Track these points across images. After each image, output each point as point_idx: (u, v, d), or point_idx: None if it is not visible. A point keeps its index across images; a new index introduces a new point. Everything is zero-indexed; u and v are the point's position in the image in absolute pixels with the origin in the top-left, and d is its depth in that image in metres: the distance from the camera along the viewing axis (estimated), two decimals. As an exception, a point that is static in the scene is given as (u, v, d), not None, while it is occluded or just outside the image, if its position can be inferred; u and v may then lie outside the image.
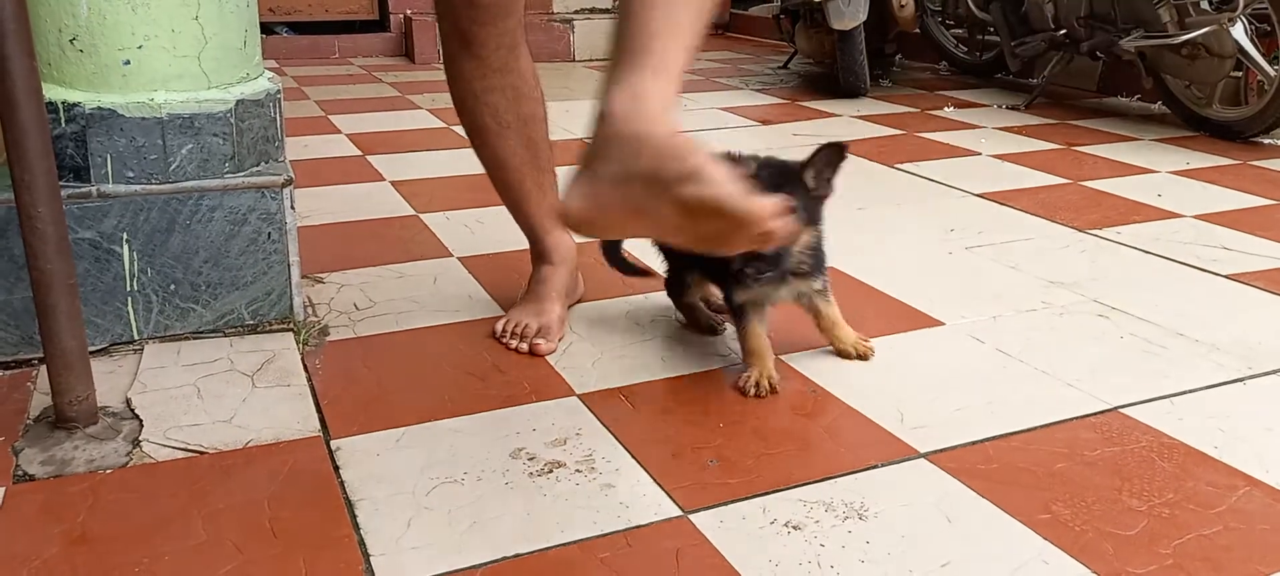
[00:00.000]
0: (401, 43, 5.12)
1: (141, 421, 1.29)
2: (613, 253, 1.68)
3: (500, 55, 1.50)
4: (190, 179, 1.49)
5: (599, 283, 1.77)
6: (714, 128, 3.29)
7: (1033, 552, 1.04)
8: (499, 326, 1.58)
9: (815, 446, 1.26)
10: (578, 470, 1.20)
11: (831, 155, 1.36)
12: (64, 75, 1.44)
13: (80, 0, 1.40)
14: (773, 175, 1.36)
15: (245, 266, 1.54)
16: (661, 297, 1.76)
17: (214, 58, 1.49)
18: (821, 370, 1.47)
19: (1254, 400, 1.39)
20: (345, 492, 1.14)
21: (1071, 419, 1.33)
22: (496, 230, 2.09)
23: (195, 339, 1.53)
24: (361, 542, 1.05)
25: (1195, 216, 2.27)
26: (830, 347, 1.53)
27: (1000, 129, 3.29)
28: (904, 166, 2.76)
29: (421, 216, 2.22)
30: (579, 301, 1.71)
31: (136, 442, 1.24)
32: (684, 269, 1.55)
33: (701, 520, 1.10)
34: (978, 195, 2.46)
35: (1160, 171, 2.70)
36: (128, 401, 1.34)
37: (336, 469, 1.19)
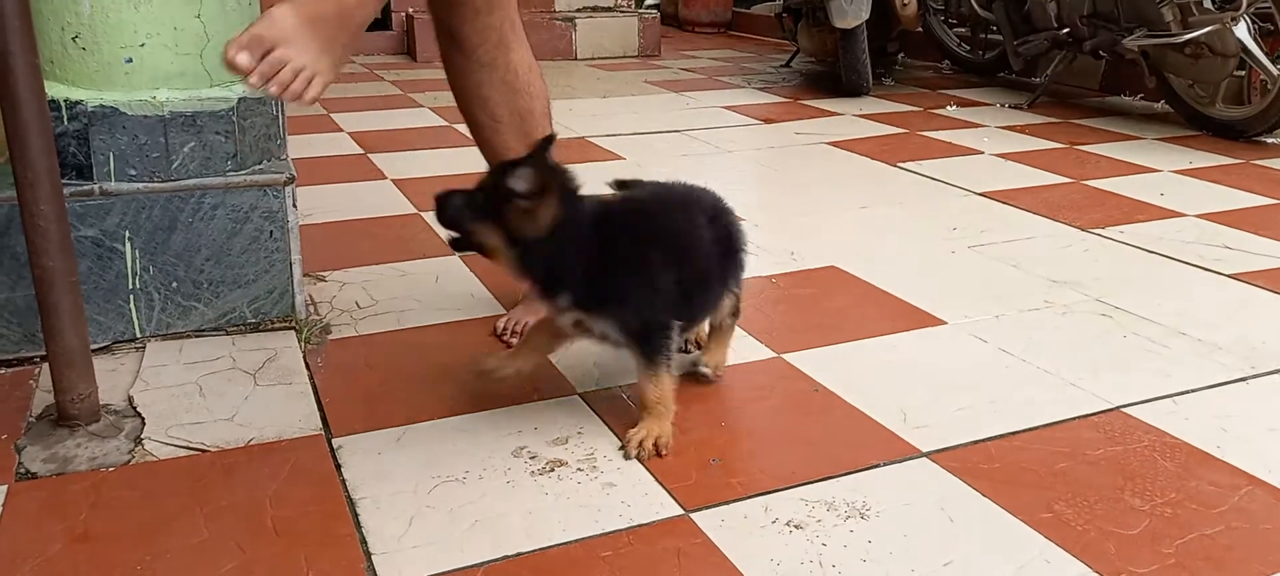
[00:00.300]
0: (403, 41, 5.13)
1: (143, 419, 1.29)
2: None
3: (487, 51, 1.50)
4: (192, 177, 1.49)
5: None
6: (717, 126, 3.29)
7: (1035, 552, 1.04)
8: (500, 324, 1.58)
9: (817, 445, 1.26)
10: (579, 469, 1.20)
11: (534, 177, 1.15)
12: (66, 73, 1.44)
13: (83, -2, 1.40)
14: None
15: (247, 264, 1.54)
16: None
17: (216, 56, 1.49)
18: (824, 369, 1.47)
19: (1257, 400, 1.39)
20: (347, 491, 1.14)
21: (1074, 418, 1.33)
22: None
23: (197, 337, 1.53)
24: (363, 540, 1.05)
25: (1198, 216, 2.26)
26: (838, 343, 1.53)
27: (1003, 128, 3.28)
28: (906, 165, 2.75)
29: (423, 215, 2.22)
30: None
31: (138, 440, 1.24)
32: None
33: (703, 519, 1.10)
34: (980, 194, 2.45)
35: (1163, 171, 2.70)
36: (130, 399, 1.34)
37: (338, 467, 1.19)
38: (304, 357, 1.48)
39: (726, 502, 1.13)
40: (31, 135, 1.16)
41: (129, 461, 1.20)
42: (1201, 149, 2.94)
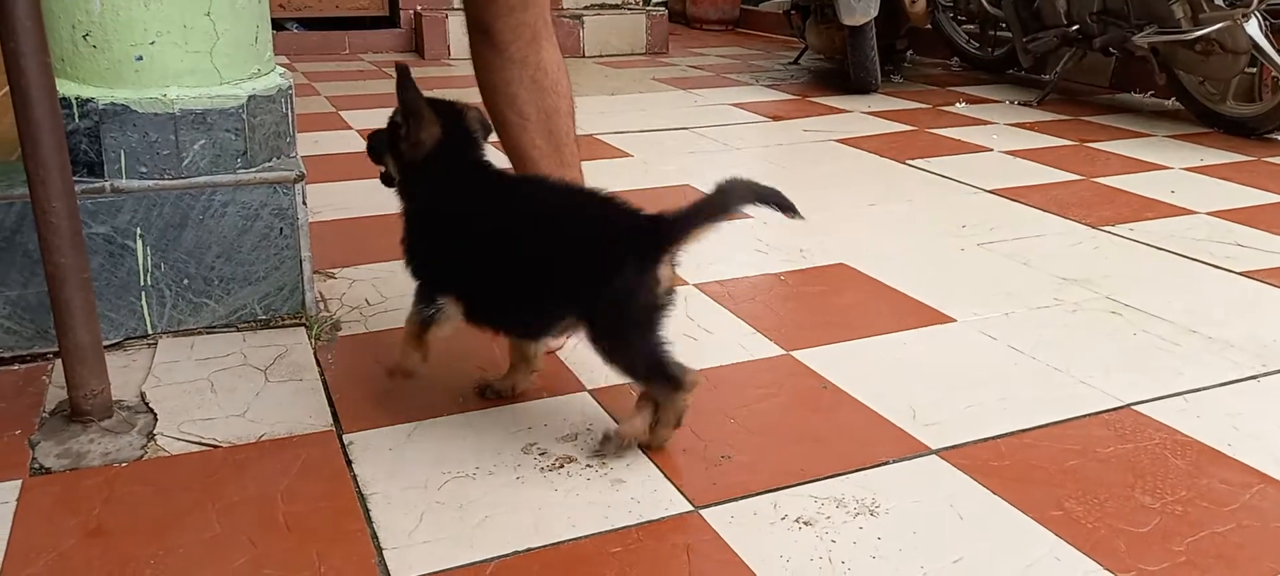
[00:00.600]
0: (412, 38, 5.13)
1: (156, 415, 1.30)
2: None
3: (519, 47, 1.50)
4: (203, 174, 1.49)
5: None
6: (724, 123, 3.29)
7: (1045, 549, 1.04)
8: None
9: (826, 442, 1.26)
10: (589, 465, 1.20)
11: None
12: (77, 71, 1.44)
13: (94, -4, 1.41)
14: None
15: (258, 261, 1.54)
16: (672, 293, 1.76)
17: (226, 53, 1.49)
18: (833, 366, 1.47)
19: (1268, 398, 1.39)
20: (358, 486, 1.15)
21: (1084, 416, 1.32)
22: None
23: (208, 333, 1.53)
24: (374, 536, 1.06)
25: (1209, 213, 2.25)
26: (847, 341, 1.53)
27: (1012, 125, 3.27)
28: (915, 162, 2.75)
29: (432, 212, 2.22)
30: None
31: (151, 436, 1.25)
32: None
33: (712, 515, 1.10)
34: (990, 191, 2.45)
35: (1173, 168, 2.68)
36: (142, 395, 1.35)
37: (349, 463, 1.20)
38: (314, 354, 1.48)
39: (736, 499, 1.13)
40: (43, 133, 1.17)
41: (142, 457, 1.20)
42: (1212, 146, 2.93)
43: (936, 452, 1.23)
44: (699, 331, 1.60)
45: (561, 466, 1.19)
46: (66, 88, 1.42)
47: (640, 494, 1.14)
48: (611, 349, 1.18)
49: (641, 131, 3.14)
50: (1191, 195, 2.40)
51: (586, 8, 5.17)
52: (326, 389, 1.38)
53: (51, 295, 1.23)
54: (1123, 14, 3.23)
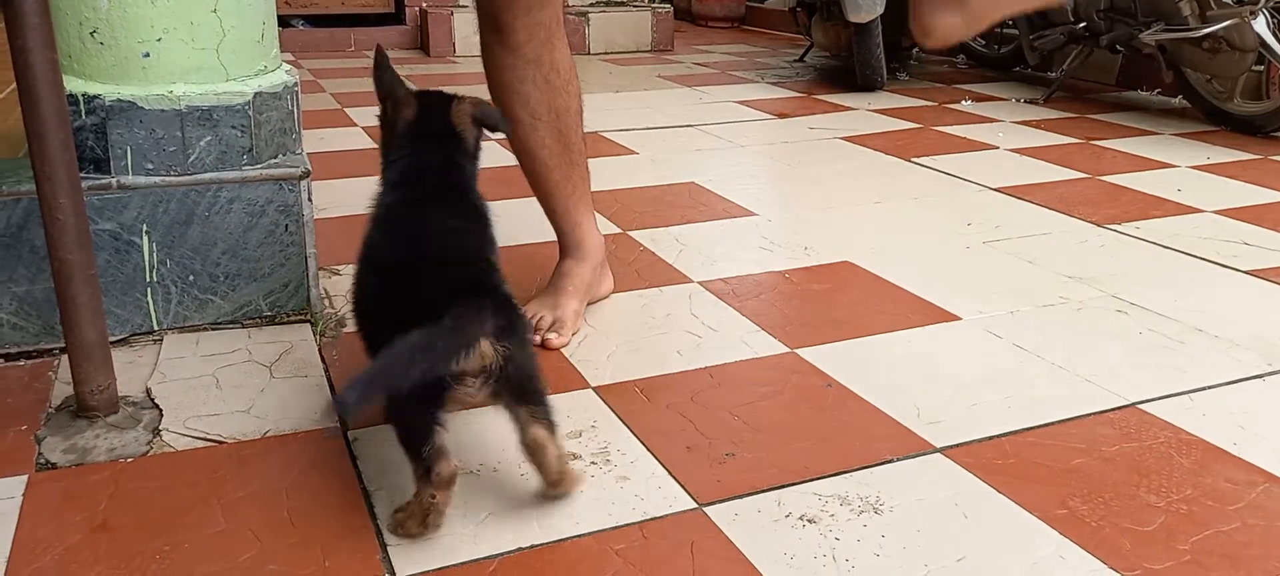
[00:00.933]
0: (417, 36, 5.13)
1: (161, 411, 1.30)
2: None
3: (533, 47, 1.50)
4: (209, 171, 1.50)
5: (613, 276, 1.77)
6: (730, 121, 3.28)
7: (1050, 548, 1.04)
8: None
9: (830, 440, 1.26)
10: (593, 462, 1.20)
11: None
12: (84, 67, 1.45)
13: (101, -7, 1.41)
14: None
15: (263, 258, 1.55)
16: (673, 291, 1.77)
17: (232, 50, 1.50)
18: (837, 364, 1.47)
19: (1274, 397, 1.38)
20: (362, 483, 1.15)
21: (1089, 414, 1.32)
22: (513, 223, 2.09)
23: (214, 330, 1.54)
24: (378, 532, 1.06)
25: (1215, 212, 2.25)
26: (852, 338, 1.53)
27: (1018, 123, 3.27)
28: (921, 160, 2.74)
29: (437, 209, 2.22)
30: (605, 298, 1.70)
31: (156, 432, 1.25)
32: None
33: (716, 513, 1.10)
34: (995, 189, 2.44)
35: (1180, 166, 2.68)
36: (148, 391, 1.35)
37: (354, 459, 1.20)
38: (319, 350, 1.49)
39: (740, 496, 1.13)
40: (50, 129, 1.17)
41: (147, 452, 1.21)
42: (1219, 144, 2.92)
43: (941, 451, 1.23)
44: (703, 328, 1.60)
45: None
46: (73, 84, 1.42)
47: (644, 491, 1.14)
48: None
49: (647, 128, 3.14)
50: (1198, 193, 2.40)
51: (592, 5, 5.17)
52: (331, 385, 1.38)
53: (58, 291, 1.23)
54: (1130, 11, 3.22)
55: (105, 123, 1.44)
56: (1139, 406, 1.34)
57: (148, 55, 1.44)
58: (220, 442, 1.23)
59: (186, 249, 1.50)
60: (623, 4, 5.26)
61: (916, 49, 4.57)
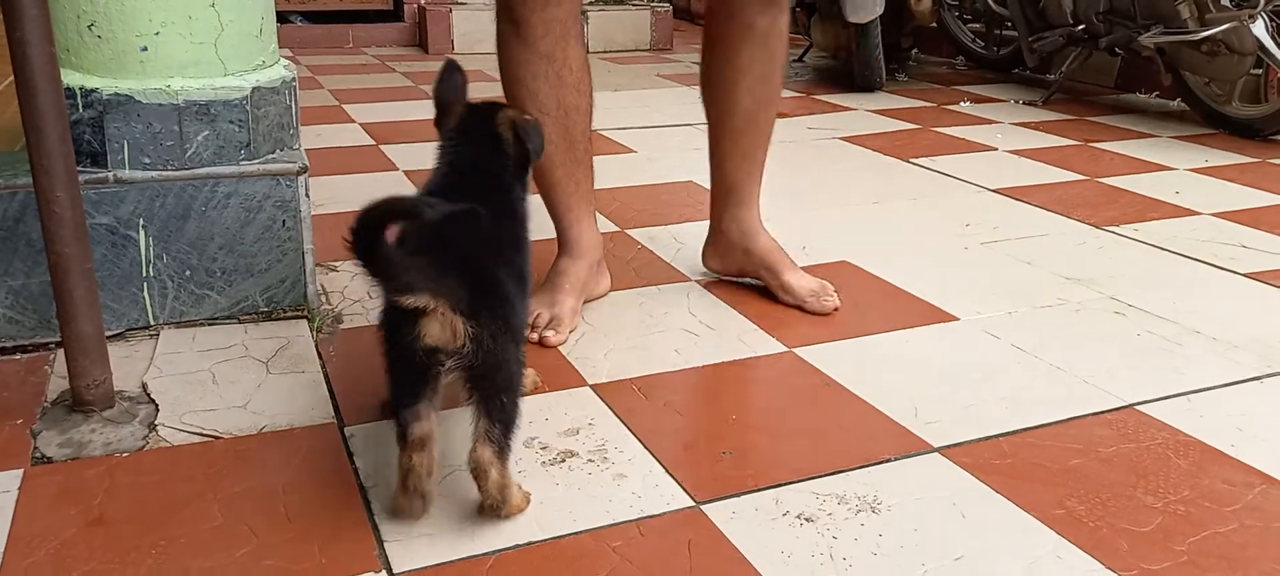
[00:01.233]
0: (415, 33, 5.13)
1: (157, 405, 1.30)
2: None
3: (548, 42, 1.49)
4: (206, 165, 1.49)
5: (610, 274, 1.77)
6: (728, 120, 3.28)
7: (1047, 548, 1.04)
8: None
9: (828, 439, 1.26)
10: (590, 460, 1.20)
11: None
12: (82, 61, 1.44)
13: (99, -14, 1.41)
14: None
15: (260, 253, 1.54)
16: (673, 290, 1.77)
17: (230, 45, 1.49)
18: (835, 363, 1.47)
19: (1271, 398, 1.38)
20: (359, 479, 1.15)
21: (1087, 415, 1.32)
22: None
23: (210, 325, 1.53)
24: (375, 527, 1.06)
25: (1213, 214, 2.25)
26: (849, 338, 1.52)
27: (1017, 124, 3.27)
28: (919, 161, 2.74)
29: (435, 206, 2.22)
30: (602, 296, 1.70)
31: (153, 426, 1.25)
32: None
33: (714, 511, 1.10)
34: (994, 191, 2.44)
35: (1178, 169, 2.68)
36: (144, 386, 1.35)
37: (350, 455, 1.20)
38: (316, 346, 1.48)
39: (737, 495, 1.13)
40: (47, 123, 1.17)
41: (143, 447, 1.20)
42: (1217, 147, 2.92)
43: (938, 450, 1.23)
44: (701, 327, 1.60)
45: (563, 460, 1.19)
46: (71, 78, 1.42)
47: (641, 489, 1.14)
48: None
49: (645, 127, 3.14)
50: (1196, 196, 2.40)
51: (591, 3, 5.16)
52: (328, 381, 1.38)
53: (54, 285, 1.23)
54: (1129, 14, 3.23)
55: (102, 116, 1.43)
56: (1136, 407, 1.34)
57: (145, 49, 1.44)
58: (217, 438, 1.23)
59: (183, 244, 1.49)
60: (622, 3, 5.26)
61: (915, 50, 4.57)
